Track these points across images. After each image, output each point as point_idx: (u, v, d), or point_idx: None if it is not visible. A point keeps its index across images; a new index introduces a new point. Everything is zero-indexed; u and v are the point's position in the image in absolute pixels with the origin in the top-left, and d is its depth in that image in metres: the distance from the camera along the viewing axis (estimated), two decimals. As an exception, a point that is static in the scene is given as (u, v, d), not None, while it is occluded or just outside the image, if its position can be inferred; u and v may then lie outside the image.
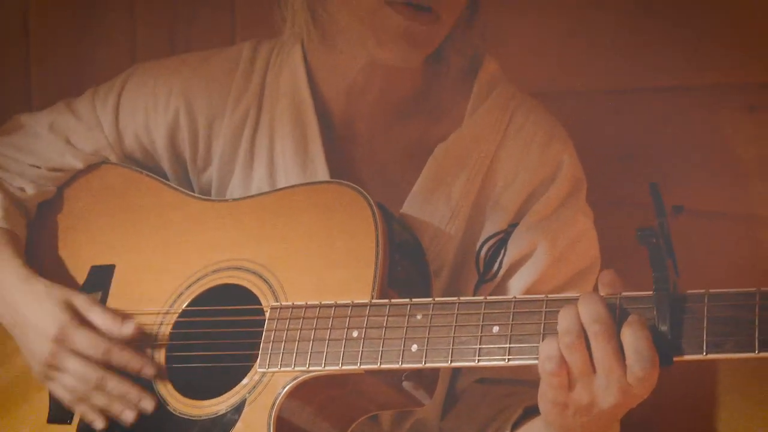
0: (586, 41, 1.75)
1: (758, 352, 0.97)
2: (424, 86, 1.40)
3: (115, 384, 1.29)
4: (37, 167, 1.47)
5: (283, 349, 1.20)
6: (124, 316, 1.33)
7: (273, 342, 1.21)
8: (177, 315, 1.33)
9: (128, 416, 1.29)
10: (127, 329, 1.31)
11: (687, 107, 1.57)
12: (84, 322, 1.32)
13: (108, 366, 1.30)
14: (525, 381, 1.32)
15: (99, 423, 1.30)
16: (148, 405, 1.28)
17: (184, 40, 2.04)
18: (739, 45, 1.47)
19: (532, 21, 1.89)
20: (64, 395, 1.32)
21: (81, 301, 1.34)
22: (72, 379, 1.31)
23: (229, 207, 1.38)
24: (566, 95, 1.80)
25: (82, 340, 1.30)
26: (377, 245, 1.21)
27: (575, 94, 1.79)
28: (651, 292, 1.02)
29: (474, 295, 1.36)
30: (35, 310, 1.34)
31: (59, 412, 1.35)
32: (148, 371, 1.29)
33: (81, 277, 1.43)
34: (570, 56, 1.79)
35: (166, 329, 1.33)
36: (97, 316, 1.33)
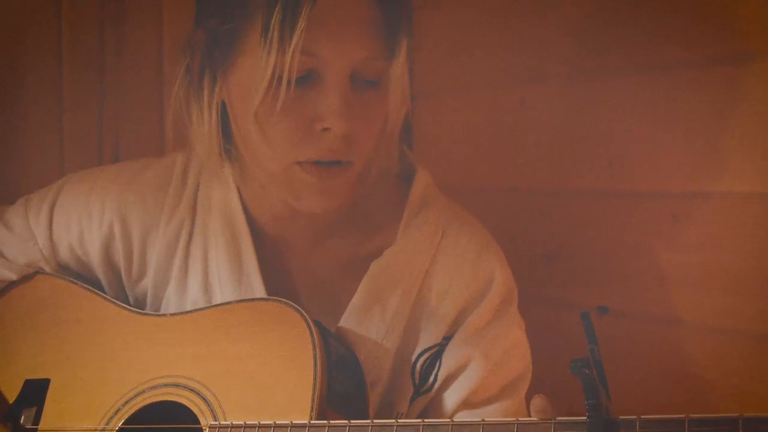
0: (512, 139, 1.79)
1: (688, 477, 1.00)
2: (353, 205, 1.42)
3: None
4: None
5: (222, 469, 1.21)
6: None
7: (212, 461, 1.22)
8: (113, 433, 1.32)
9: None
10: None
11: (610, 211, 1.61)
12: None
13: None
14: None
15: None
16: None
17: (112, 151, 2.04)
18: (662, 155, 1.51)
19: (459, 118, 1.94)
20: None
21: None
22: None
23: (167, 322, 1.37)
24: (491, 191, 1.84)
25: None
26: (315, 365, 1.22)
27: (501, 190, 1.83)
28: (585, 418, 1.05)
29: (409, 407, 1.38)
30: None
31: None
32: None
33: (14, 391, 1.40)
34: (496, 153, 1.83)
35: (103, 447, 1.32)
36: None
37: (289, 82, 1.20)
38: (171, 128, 1.36)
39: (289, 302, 1.29)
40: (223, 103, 1.32)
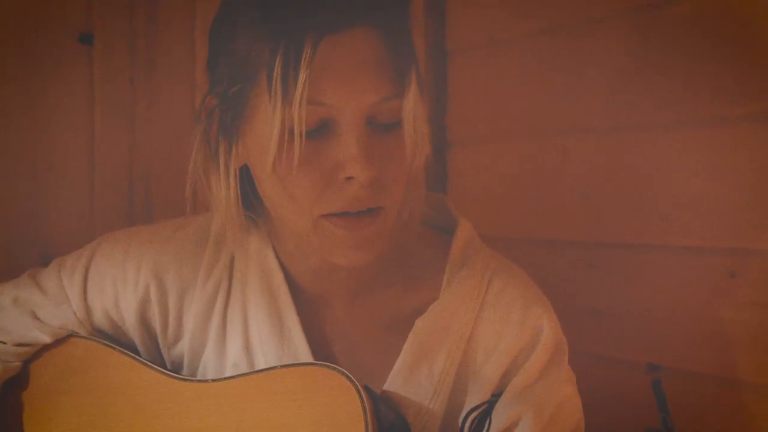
0: (555, 190, 1.75)
1: None
2: (393, 256, 1.37)
3: None
4: (3, 343, 1.41)
5: None
6: None
7: None
8: (152, 507, 1.26)
9: None
10: None
11: (661, 266, 1.56)
12: None
13: None
14: None
15: None
16: None
17: (144, 201, 2.01)
18: (718, 210, 1.47)
19: (497, 167, 1.89)
20: None
21: None
22: None
23: (209, 388, 1.31)
24: (533, 244, 1.79)
25: None
26: (367, 436, 1.17)
27: (543, 243, 1.78)
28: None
29: (460, 469, 1.32)
30: None
31: None
32: None
33: (47, 461, 1.35)
34: (538, 204, 1.79)
35: None
36: None
37: (301, 135, 1.16)
38: (190, 197, 1.31)
39: (338, 368, 1.23)
40: (247, 168, 1.29)
